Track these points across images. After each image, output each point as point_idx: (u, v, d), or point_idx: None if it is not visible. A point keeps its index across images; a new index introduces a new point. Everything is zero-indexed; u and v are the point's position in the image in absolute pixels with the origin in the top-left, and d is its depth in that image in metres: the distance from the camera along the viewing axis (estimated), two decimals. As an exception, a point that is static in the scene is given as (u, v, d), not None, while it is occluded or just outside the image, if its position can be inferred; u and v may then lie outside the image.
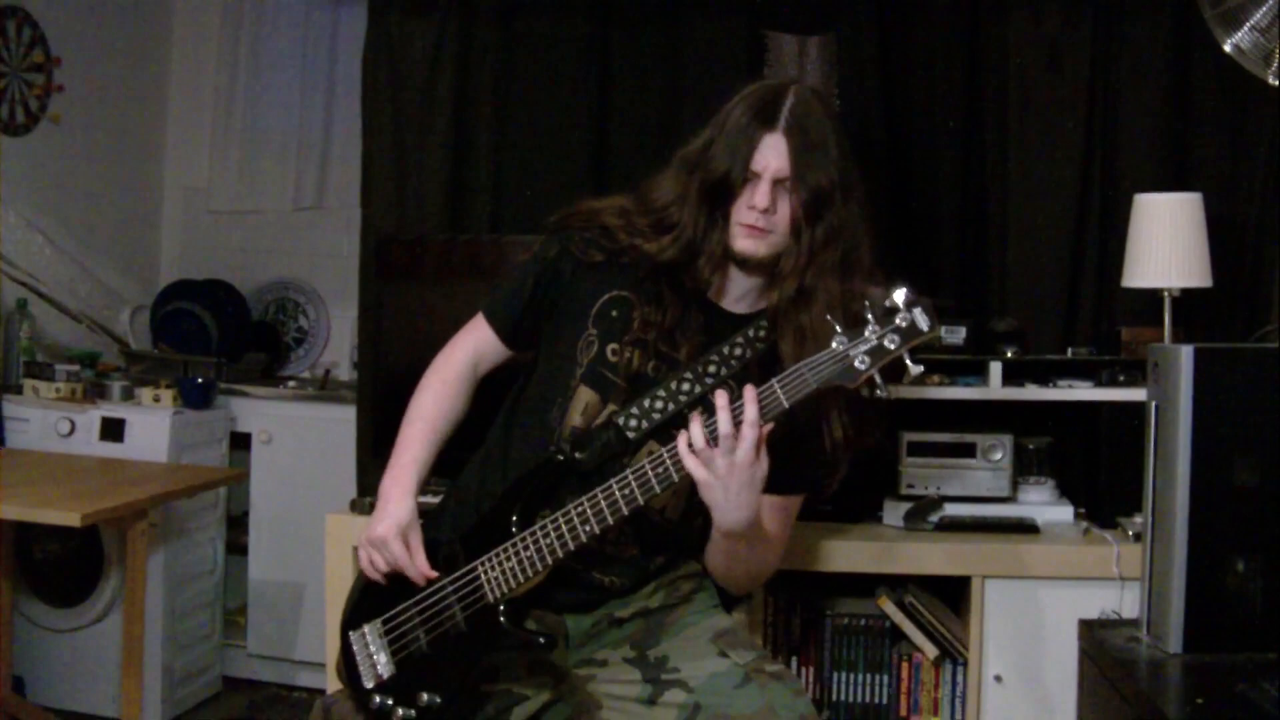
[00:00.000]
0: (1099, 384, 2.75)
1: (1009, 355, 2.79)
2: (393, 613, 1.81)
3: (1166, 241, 2.61)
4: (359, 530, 1.89)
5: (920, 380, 2.78)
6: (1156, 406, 2.15)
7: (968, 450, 2.74)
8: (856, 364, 1.56)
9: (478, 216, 3.20)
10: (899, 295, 1.56)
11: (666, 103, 3.14)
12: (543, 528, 1.71)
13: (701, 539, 1.86)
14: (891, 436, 2.80)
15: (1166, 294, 2.65)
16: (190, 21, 4.16)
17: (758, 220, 1.72)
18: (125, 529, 2.80)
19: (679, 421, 1.70)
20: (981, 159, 3.06)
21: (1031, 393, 2.75)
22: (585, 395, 1.80)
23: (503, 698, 1.81)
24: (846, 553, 2.60)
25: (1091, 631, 2.30)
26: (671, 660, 1.81)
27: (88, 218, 3.84)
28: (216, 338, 3.81)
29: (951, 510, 2.71)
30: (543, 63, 3.18)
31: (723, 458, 1.58)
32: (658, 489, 1.64)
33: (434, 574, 1.77)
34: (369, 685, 1.80)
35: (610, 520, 1.67)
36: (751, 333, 1.80)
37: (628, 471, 1.66)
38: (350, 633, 1.85)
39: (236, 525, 3.66)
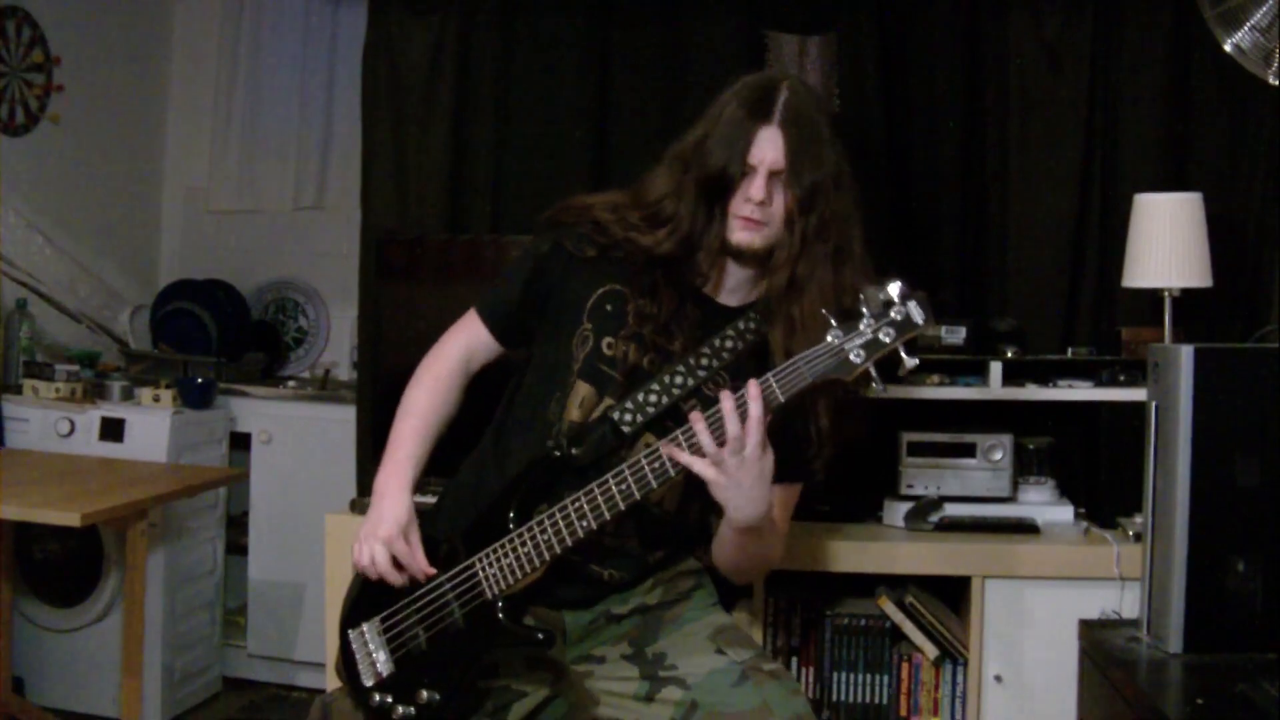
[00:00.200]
0: (1099, 384, 2.75)
1: (1009, 355, 2.80)
2: (391, 611, 1.80)
3: (1166, 241, 2.61)
4: (359, 530, 1.89)
5: (920, 380, 2.79)
6: (1156, 406, 2.15)
7: (968, 450, 2.74)
8: (852, 357, 1.57)
9: (478, 216, 3.21)
10: (893, 289, 1.57)
11: (666, 103, 3.14)
12: (540, 524, 1.71)
13: (699, 529, 1.87)
14: (891, 436, 2.80)
15: (1166, 294, 2.65)
16: (190, 21, 4.16)
17: (754, 212, 1.73)
18: (125, 529, 2.80)
19: (674, 414, 1.72)
20: (981, 159, 3.06)
21: (1031, 393, 2.75)
22: (582, 389, 1.80)
23: (501, 694, 1.81)
24: (846, 553, 2.60)
25: (1091, 631, 2.30)
26: (669, 657, 1.82)
27: (88, 218, 3.84)
28: (216, 338, 3.81)
29: (951, 510, 2.71)
30: (543, 63, 3.18)
31: (732, 456, 1.59)
32: (654, 485, 1.65)
33: (432, 571, 1.78)
34: (368, 683, 1.80)
35: (607, 516, 1.67)
36: (742, 325, 1.81)
37: (624, 467, 1.66)
38: (349, 631, 1.84)
39: (236, 525, 3.66)
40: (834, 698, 2.66)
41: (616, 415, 1.75)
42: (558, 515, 1.70)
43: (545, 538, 1.70)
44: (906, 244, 3.06)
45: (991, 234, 3.07)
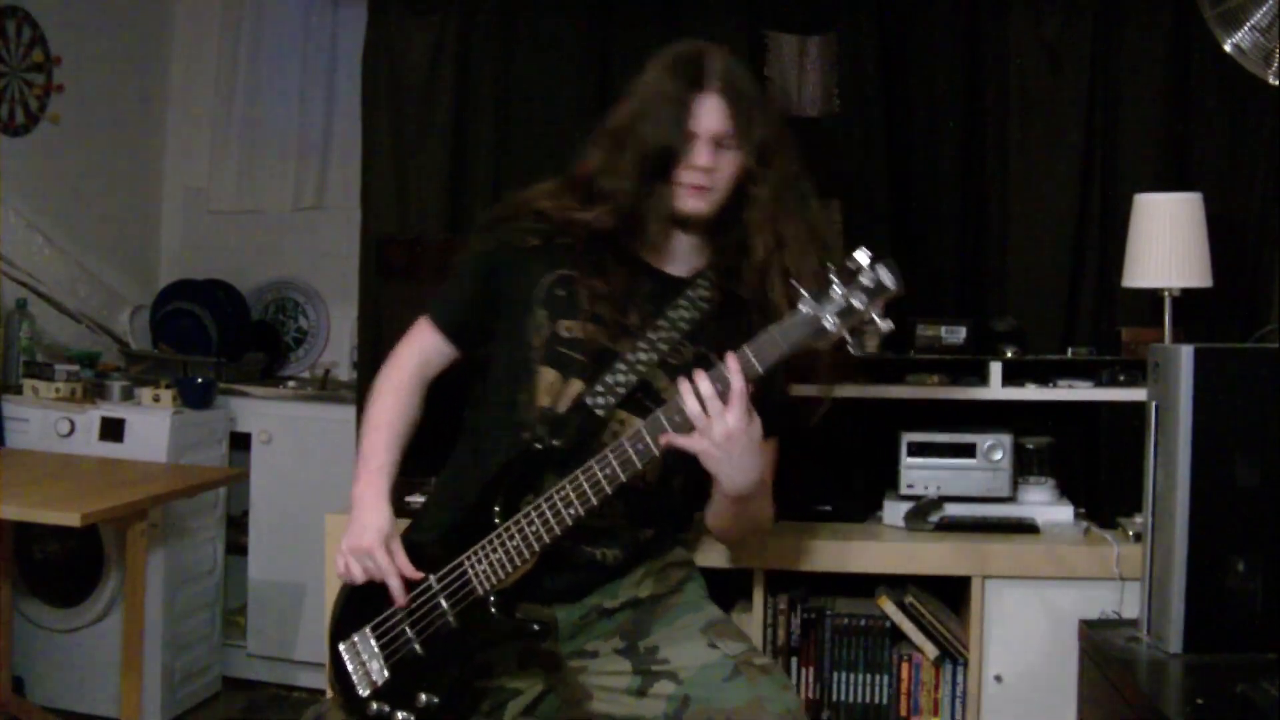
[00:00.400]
0: (1099, 384, 2.75)
1: (1009, 355, 2.80)
2: (382, 618, 1.80)
3: (1166, 241, 2.61)
4: (341, 542, 1.87)
5: (920, 380, 2.79)
6: (1156, 406, 2.15)
7: (968, 450, 2.74)
8: (827, 325, 1.58)
9: (478, 217, 3.20)
10: (861, 255, 1.59)
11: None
12: (526, 515, 1.71)
13: (682, 502, 1.89)
14: (891, 436, 2.80)
15: (1166, 294, 2.65)
16: (190, 21, 4.16)
17: (701, 179, 1.76)
18: (125, 529, 2.80)
19: (644, 390, 1.76)
20: (981, 159, 3.06)
21: (1031, 393, 2.75)
22: (547, 375, 1.81)
23: (495, 694, 1.81)
24: (846, 553, 2.60)
25: (1091, 631, 2.30)
26: (662, 651, 1.83)
27: (88, 218, 3.84)
28: (216, 338, 3.81)
29: (951, 510, 2.71)
30: (543, 63, 3.18)
31: (719, 424, 1.61)
32: (639, 465, 1.67)
33: (419, 575, 1.77)
34: (365, 693, 1.79)
35: (594, 500, 1.68)
36: (694, 293, 1.83)
37: (607, 451, 1.68)
38: (340, 645, 1.84)
39: (236, 525, 3.66)
40: (834, 698, 2.66)
41: (590, 401, 1.77)
42: (544, 506, 1.70)
43: (534, 529, 1.71)
44: (906, 244, 3.06)
45: (991, 234, 3.07)
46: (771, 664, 1.84)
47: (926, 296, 3.05)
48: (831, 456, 2.79)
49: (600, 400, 1.77)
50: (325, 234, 4.01)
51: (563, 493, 1.69)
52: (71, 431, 3.27)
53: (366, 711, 1.79)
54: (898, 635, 2.65)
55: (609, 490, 1.68)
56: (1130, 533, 2.55)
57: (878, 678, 2.65)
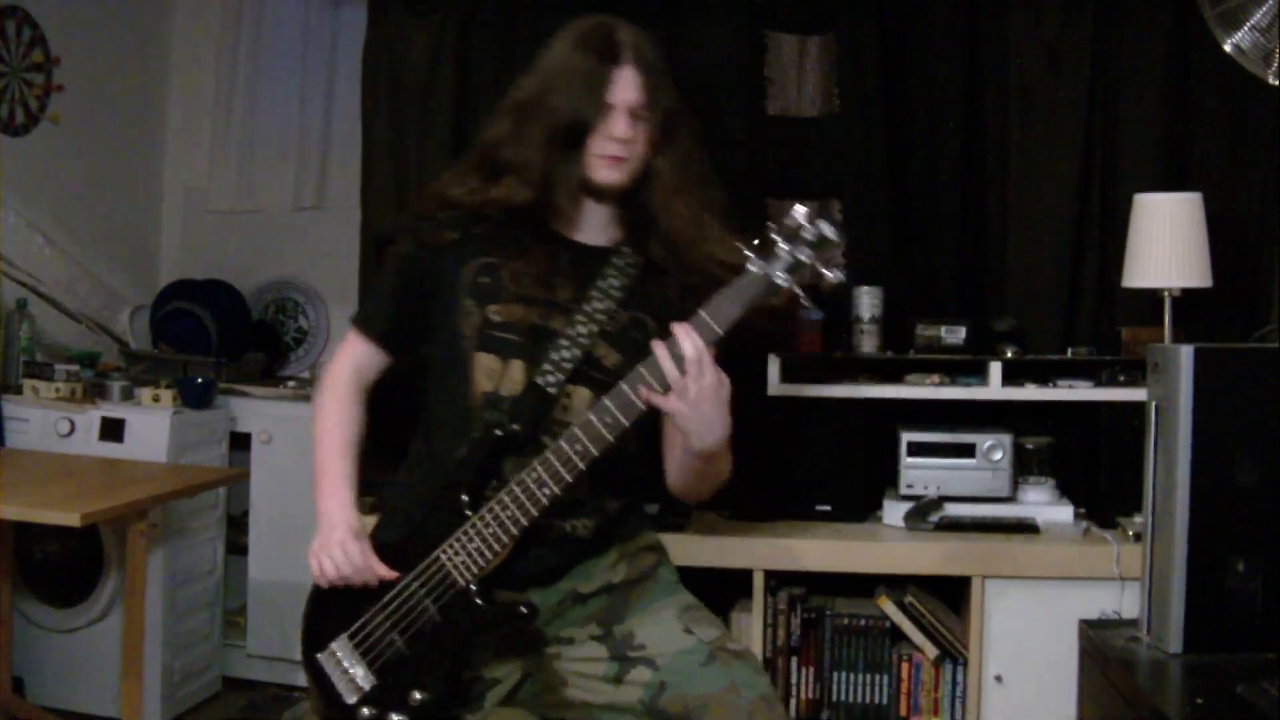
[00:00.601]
0: (1099, 384, 2.75)
1: (1009, 355, 2.80)
2: (359, 624, 1.79)
3: (1166, 241, 2.61)
4: (311, 548, 1.86)
5: (920, 380, 2.79)
6: (1156, 406, 2.15)
7: (968, 450, 2.74)
8: (778, 281, 1.62)
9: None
10: (799, 212, 1.64)
11: (666, 103, 3.13)
12: (500, 501, 1.72)
13: (639, 465, 1.88)
14: (891, 436, 2.80)
15: (1166, 294, 2.65)
16: (190, 21, 4.16)
17: (619, 150, 1.79)
18: (125, 529, 2.80)
19: (588, 361, 1.79)
20: (981, 159, 3.06)
21: (1031, 393, 2.76)
22: (484, 361, 1.81)
23: (474, 685, 1.81)
24: (846, 553, 2.60)
25: (1091, 631, 2.30)
26: (638, 637, 1.83)
27: (88, 218, 3.84)
28: (216, 338, 3.80)
29: (951, 510, 2.71)
30: (542, 63, 3.18)
31: (694, 383, 1.63)
32: (610, 438, 1.68)
33: (393, 575, 1.77)
34: (351, 700, 1.78)
35: (569, 478, 1.69)
36: (620, 261, 1.85)
37: (575, 428, 1.69)
38: (317, 656, 1.82)
39: (236, 525, 3.66)
40: (834, 698, 2.66)
41: (540, 380, 1.78)
42: (516, 489, 1.71)
43: (509, 514, 1.71)
44: (906, 244, 3.06)
45: (991, 234, 3.07)
46: (745, 649, 1.86)
47: (926, 296, 3.05)
48: (831, 456, 2.79)
49: (550, 379, 1.79)
50: (325, 234, 4.01)
51: (534, 474, 1.70)
52: (71, 431, 3.27)
53: (357, 717, 1.78)
54: (898, 635, 2.66)
55: (582, 466, 1.69)
56: (1130, 533, 2.55)
57: (878, 678, 2.65)
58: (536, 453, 1.73)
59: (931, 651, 2.60)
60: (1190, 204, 2.64)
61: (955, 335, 2.85)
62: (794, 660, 2.66)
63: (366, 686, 1.78)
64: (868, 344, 2.89)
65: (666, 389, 1.65)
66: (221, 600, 3.57)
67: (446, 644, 1.75)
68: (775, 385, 2.79)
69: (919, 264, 3.07)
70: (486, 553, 1.73)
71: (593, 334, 1.80)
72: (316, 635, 1.83)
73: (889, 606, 2.64)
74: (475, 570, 1.74)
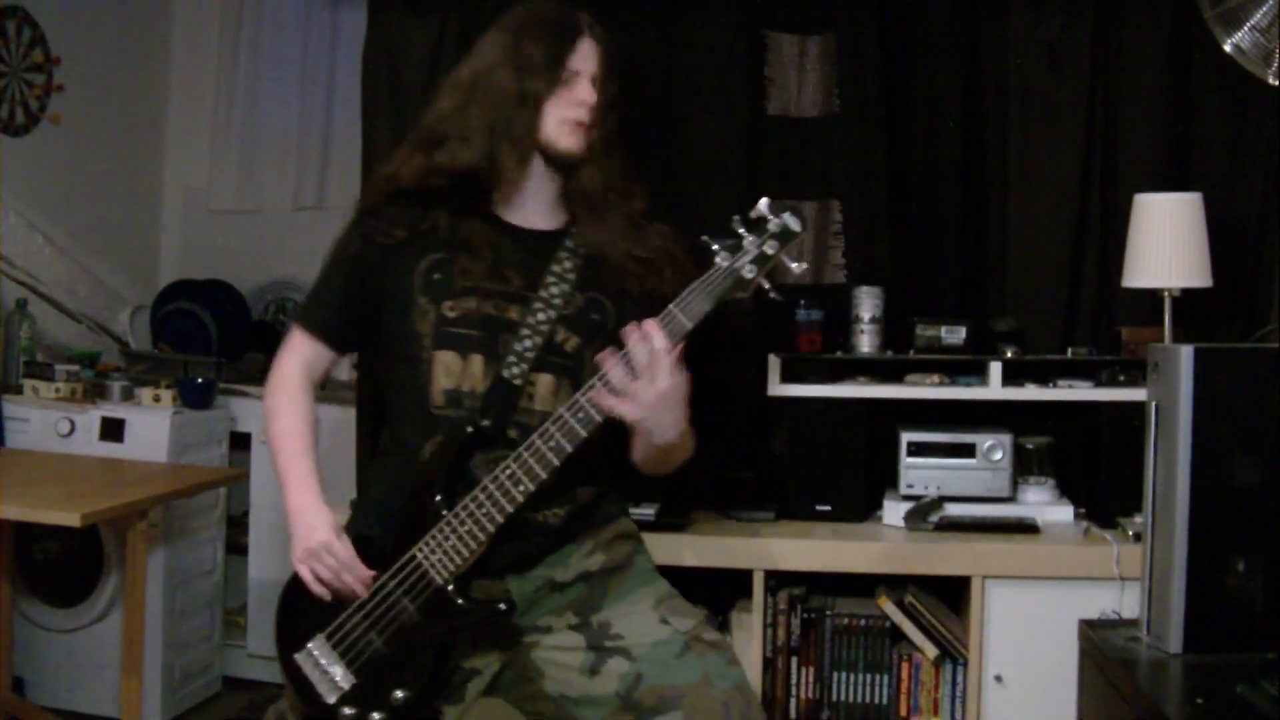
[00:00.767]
0: (1099, 384, 2.75)
1: (1009, 355, 2.80)
2: (335, 624, 1.79)
3: (1166, 241, 2.61)
4: (291, 553, 1.86)
5: (920, 380, 2.79)
6: (1156, 406, 2.14)
7: (968, 450, 2.74)
8: (746, 274, 1.65)
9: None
10: (763, 205, 1.67)
11: (666, 102, 3.13)
12: (474, 499, 1.72)
13: (604, 450, 1.88)
14: (891, 436, 2.80)
15: (1166, 294, 2.65)
16: (190, 21, 4.16)
17: (585, 115, 1.82)
18: (125, 529, 2.80)
19: (548, 348, 1.80)
20: (981, 159, 3.06)
21: (1031, 393, 2.76)
22: (444, 358, 1.82)
23: (456, 675, 1.82)
24: (846, 553, 2.60)
25: (1091, 631, 2.30)
26: (614, 626, 1.84)
27: (88, 218, 3.84)
28: (216, 338, 3.81)
29: (951, 510, 2.71)
30: (542, 63, 3.18)
31: (647, 387, 1.65)
32: (583, 433, 1.70)
33: (370, 573, 1.77)
34: (331, 700, 1.78)
35: (544, 474, 1.71)
36: (571, 244, 1.87)
37: (549, 424, 1.70)
38: (295, 656, 1.82)
39: (236, 525, 3.66)
40: (834, 698, 2.66)
41: (506, 373, 1.79)
42: (491, 486, 1.72)
43: (484, 510, 1.72)
44: (906, 244, 3.06)
45: (991, 234, 3.07)
46: (720, 639, 1.88)
47: (926, 296, 3.05)
48: (831, 456, 2.79)
49: (515, 370, 1.80)
50: (325, 234, 3.97)
51: (509, 470, 1.71)
52: (71, 431, 3.27)
53: (337, 717, 1.77)
54: (898, 635, 2.66)
55: (556, 463, 1.71)
56: (1130, 533, 2.55)
57: (878, 678, 2.65)
58: (505, 445, 1.75)
59: (931, 651, 2.60)
60: (1190, 204, 2.64)
61: (955, 335, 2.84)
62: (794, 660, 2.66)
63: (346, 686, 1.78)
64: (868, 344, 2.89)
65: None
66: (221, 600, 3.57)
67: (426, 642, 1.76)
68: (775, 385, 2.79)
69: (919, 264, 3.07)
70: (463, 550, 1.73)
71: (551, 320, 1.81)
72: (292, 635, 1.83)
73: (889, 606, 2.64)
74: (452, 568, 1.74)
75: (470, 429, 1.77)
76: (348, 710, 1.77)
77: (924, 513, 2.69)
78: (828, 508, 2.77)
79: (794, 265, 1.70)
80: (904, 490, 2.75)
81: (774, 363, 2.80)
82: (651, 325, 1.65)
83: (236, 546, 3.63)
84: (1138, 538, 2.43)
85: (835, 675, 2.66)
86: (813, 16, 3.09)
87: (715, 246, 1.66)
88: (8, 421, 3.32)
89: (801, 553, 2.60)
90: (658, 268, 1.87)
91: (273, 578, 3.56)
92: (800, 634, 2.66)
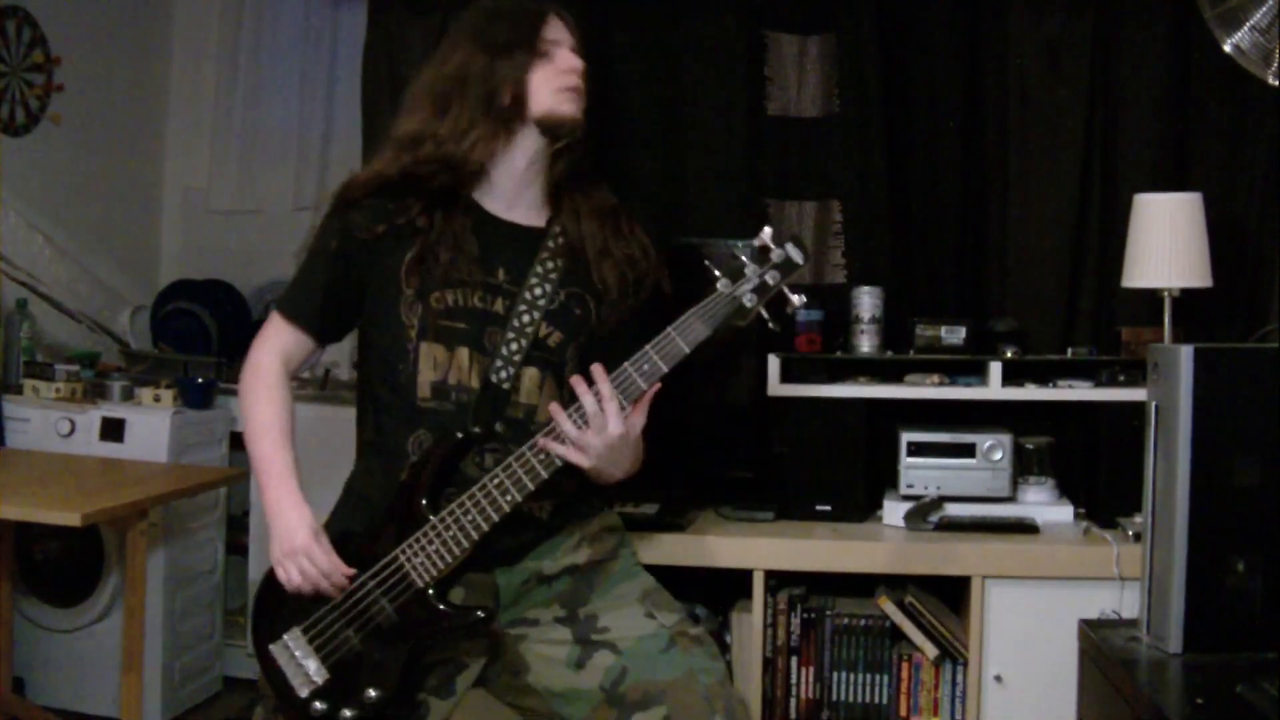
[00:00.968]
0: (1099, 384, 2.75)
1: (1009, 355, 2.80)
2: (313, 619, 1.79)
3: (1166, 241, 2.61)
4: (271, 552, 1.85)
5: (920, 380, 2.79)
6: (1156, 406, 2.14)
7: (968, 450, 2.74)
8: (745, 303, 1.67)
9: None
10: (767, 235, 1.68)
11: (666, 102, 3.13)
12: (461, 505, 1.72)
13: None
14: (891, 436, 2.80)
15: (1166, 294, 2.65)
16: (190, 21, 4.16)
17: (575, 80, 1.83)
18: (125, 529, 2.80)
19: (535, 345, 1.82)
20: (981, 159, 3.06)
21: (1031, 393, 2.75)
22: (431, 351, 1.82)
23: (442, 669, 1.82)
24: (846, 553, 2.60)
25: (1091, 631, 2.30)
26: (601, 619, 1.85)
27: (88, 218, 3.84)
28: (216, 338, 3.81)
29: (951, 510, 2.71)
30: (542, 63, 3.18)
31: (596, 436, 1.68)
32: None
33: (351, 572, 1.77)
34: (304, 694, 1.78)
35: (531, 486, 1.72)
36: (553, 243, 1.87)
37: (539, 437, 1.72)
38: (270, 647, 1.82)
39: (236, 525, 3.66)
40: (834, 698, 2.66)
41: (493, 377, 1.80)
42: (479, 494, 1.72)
43: (470, 518, 1.72)
44: (906, 244, 3.06)
45: (991, 234, 3.07)
46: (704, 634, 1.88)
47: (926, 296, 3.05)
48: (831, 456, 2.79)
49: (504, 373, 1.80)
50: (325, 234, 4.01)
51: (497, 480, 1.71)
52: (72, 431, 3.27)
53: (309, 711, 1.77)
54: (898, 635, 2.65)
55: (545, 474, 1.72)
56: (1130, 533, 2.55)
57: (878, 678, 2.65)
58: (494, 440, 1.77)
59: (931, 651, 2.60)
60: (1190, 204, 2.64)
61: (955, 335, 2.84)
62: (794, 660, 2.66)
63: (320, 681, 1.78)
64: (868, 344, 2.89)
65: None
66: (221, 600, 3.57)
67: (402, 643, 1.75)
68: (775, 385, 2.79)
69: (919, 264, 3.07)
70: (446, 555, 1.74)
71: (536, 320, 1.82)
72: (269, 625, 1.83)
73: (889, 606, 2.63)
74: (434, 572, 1.74)
75: (460, 435, 1.76)
76: (319, 705, 1.77)
77: (924, 513, 2.69)
78: (828, 508, 2.77)
79: (795, 297, 1.70)
80: (904, 490, 2.75)
81: (774, 363, 2.79)
82: (599, 372, 1.67)
83: (236, 546, 3.63)
84: (1138, 538, 2.43)
85: (835, 675, 2.66)
86: (813, 16, 3.09)
87: (716, 273, 1.67)
88: (8, 421, 3.32)
89: (801, 553, 2.60)
90: (636, 264, 1.88)
91: (273, 578, 3.56)
92: (800, 634, 2.66)
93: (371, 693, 1.75)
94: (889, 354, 2.90)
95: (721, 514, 2.80)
